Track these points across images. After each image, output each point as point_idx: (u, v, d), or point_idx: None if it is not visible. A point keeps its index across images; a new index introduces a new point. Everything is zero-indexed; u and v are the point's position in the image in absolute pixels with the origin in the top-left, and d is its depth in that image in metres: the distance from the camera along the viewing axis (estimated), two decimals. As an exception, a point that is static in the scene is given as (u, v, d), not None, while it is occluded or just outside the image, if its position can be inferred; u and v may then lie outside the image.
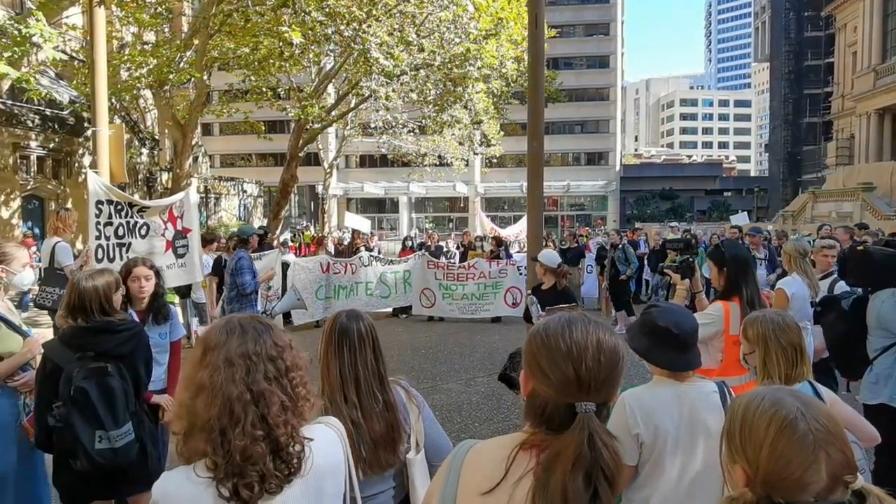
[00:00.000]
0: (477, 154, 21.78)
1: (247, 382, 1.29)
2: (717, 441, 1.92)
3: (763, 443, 1.07)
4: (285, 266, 10.04)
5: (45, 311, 6.16)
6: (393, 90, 14.24)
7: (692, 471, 1.95)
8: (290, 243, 15.53)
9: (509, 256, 11.88)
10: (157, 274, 3.53)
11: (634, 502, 2.04)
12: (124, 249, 5.33)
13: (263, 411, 1.28)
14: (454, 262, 12.05)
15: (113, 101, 13.17)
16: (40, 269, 6.33)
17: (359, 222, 16.72)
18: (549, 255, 5.19)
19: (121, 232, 5.34)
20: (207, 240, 8.32)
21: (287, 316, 9.90)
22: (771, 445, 1.06)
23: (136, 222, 5.47)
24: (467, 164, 25.12)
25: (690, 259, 3.76)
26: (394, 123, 19.97)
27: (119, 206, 5.33)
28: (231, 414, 1.26)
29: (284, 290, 10.05)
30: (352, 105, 18.73)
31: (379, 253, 13.09)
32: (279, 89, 18.05)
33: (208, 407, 1.26)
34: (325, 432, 1.46)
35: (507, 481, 1.13)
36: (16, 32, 8.55)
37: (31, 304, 8.53)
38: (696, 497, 1.94)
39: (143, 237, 5.53)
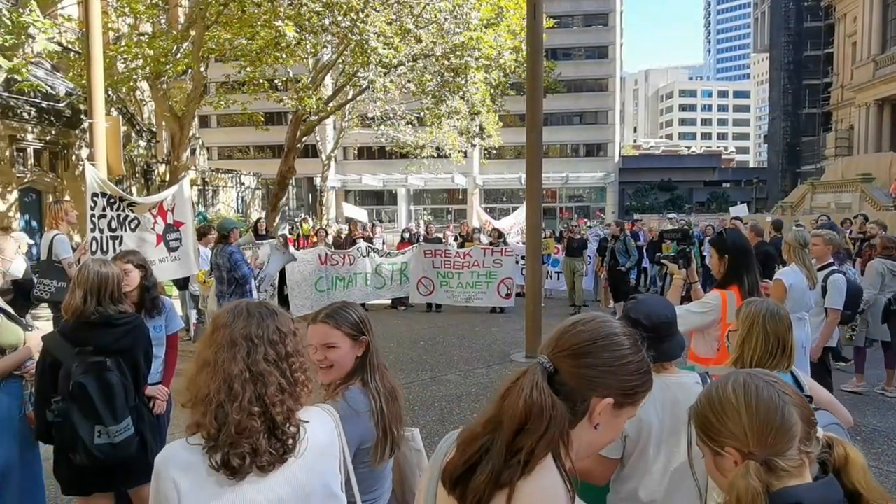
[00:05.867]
0: (473, 146, 21.73)
1: (247, 362, 1.36)
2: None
3: (738, 409, 1.15)
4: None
5: (46, 305, 6.18)
6: (391, 81, 14.17)
7: (677, 462, 1.95)
8: (289, 235, 15.50)
9: (507, 246, 11.89)
10: (145, 268, 3.48)
11: (622, 494, 2.03)
12: (117, 242, 5.36)
13: (261, 391, 1.35)
14: (451, 248, 12.04)
15: (109, 93, 13.10)
16: (37, 261, 6.33)
17: (357, 213, 16.68)
18: None
19: (113, 225, 5.36)
20: (202, 233, 8.30)
21: (284, 306, 9.88)
22: (746, 406, 1.14)
23: (126, 216, 5.49)
24: (465, 156, 25.08)
25: (687, 249, 3.76)
26: (391, 115, 19.91)
27: (112, 200, 5.35)
28: (230, 390, 1.33)
29: (283, 280, 10.05)
30: (349, 96, 18.64)
31: (383, 244, 13.09)
32: (276, 81, 17.95)
33: (209, 382, 1.34)
34: (321, 416, 1.51)
35: None
36: (9, 23, 8.47)
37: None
38: (683, 488, 1.94)
39: (133, 230, 5.55)
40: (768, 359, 2.18)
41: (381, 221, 28.57)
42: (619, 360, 1.12)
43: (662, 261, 3.87)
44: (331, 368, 1.84)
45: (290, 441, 1.37)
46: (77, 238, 9.38)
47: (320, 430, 1.47)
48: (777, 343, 2.20)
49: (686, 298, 3.85)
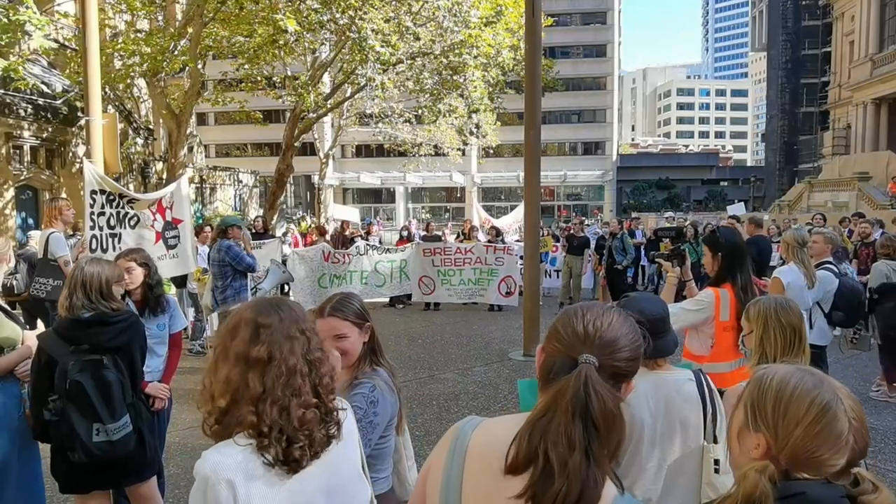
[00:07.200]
0: (468, 144, 21.72)
1: (303, 353, 1.38)
2: (693, 431, 1.93)
3: (800, 422, 1.10)
4: (285, 258, 10.07)
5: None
6: (389, 78, 14.15)
7: (671, 460, 1.95)
8: (292, 229, 15.49)
9: (505, 244, 11.91)
10: (148, 266, 3.48)
11: None
12: (116, 240, 5.34)
13: (315, 381, 1.39)
14: (450, 246, 12.02)
15: (106, 90, 13.07)
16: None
17: (346, 213, 16.63)
18: None
19: (112, 222, 5.34)
20: (196, 230, 8.27)
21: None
22: (807, 427, 1.09)
23: (125, 213, 5.47)
24: (463, 154, 25.07)
25: (681, 247, 3.78)
26: (389, 113, 19.89)
27: (111, 197, 5.33)
28: (291, 384, 1.35)
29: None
30: (347, 94, 18.61)
31: (380, 242, 13.06)
32: (274, 78, 17.93)
33: (262, 379, 1.32)
34: (342, 403, 1.56)
35: None
36: (5, 21, 8.44)
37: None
38: (677, 487, 1.95)
39: (132, 228, 5.54)
40: (788, 352, 2.16)
41: (378, 220, 28.54)
42: (640, 348, 1.19)
43: (657, 259, 3.89)
44: (344, 356, 1.95)
45: (335, 428, 1.41)
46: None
47: (348, 416, 1.53)
48: (794, 334, 2.19)
49: (682, 297, 3.87)
